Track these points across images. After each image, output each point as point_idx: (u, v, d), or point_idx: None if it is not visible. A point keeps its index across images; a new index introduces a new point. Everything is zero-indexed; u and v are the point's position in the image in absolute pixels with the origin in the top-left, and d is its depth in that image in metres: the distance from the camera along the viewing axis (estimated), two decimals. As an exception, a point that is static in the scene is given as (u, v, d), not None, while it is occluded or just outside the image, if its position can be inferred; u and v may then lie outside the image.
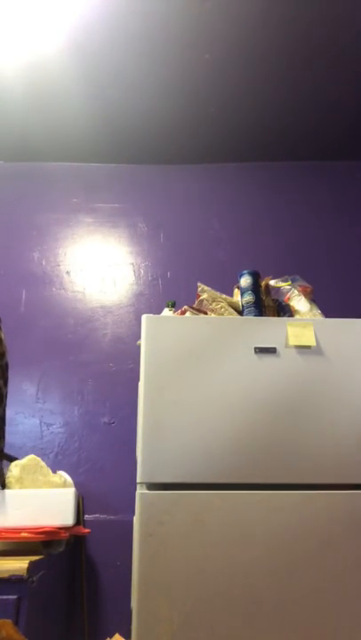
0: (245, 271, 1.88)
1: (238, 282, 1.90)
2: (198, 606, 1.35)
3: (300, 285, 1.89)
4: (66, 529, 1.79)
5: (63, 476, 2.06)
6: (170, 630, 1.32)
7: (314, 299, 1.90)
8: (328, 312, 1.90)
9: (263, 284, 1.88)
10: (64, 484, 2.00)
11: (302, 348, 1.63)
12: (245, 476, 1.50)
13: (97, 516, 2.18)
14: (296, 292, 1.86)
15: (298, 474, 1.51)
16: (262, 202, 2.85)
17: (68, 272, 2.67)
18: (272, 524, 1.44)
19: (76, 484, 2.05)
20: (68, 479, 2.05)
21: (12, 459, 1.95)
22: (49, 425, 2.35)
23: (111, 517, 2.17)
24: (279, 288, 1.91)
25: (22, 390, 2.41)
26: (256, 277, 1.86)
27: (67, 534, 1.77)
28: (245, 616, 1.35)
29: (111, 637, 0.49)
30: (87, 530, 2.05)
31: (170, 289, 2.61)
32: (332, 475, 1.51)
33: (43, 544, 1.69)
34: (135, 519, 1.46)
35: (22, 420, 2.34)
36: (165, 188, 2.87)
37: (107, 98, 2.46)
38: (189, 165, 2.90)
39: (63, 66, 2.27)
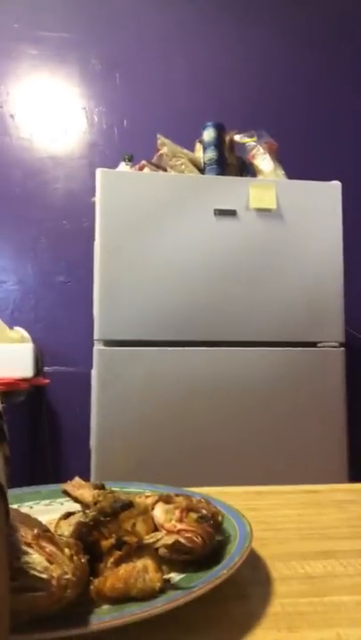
0: (209, 123, 1.74)
1: (201, 134, 1.77)
2: (151, 450, 1.50)
3: (265, 142, 1.79)
4: (25, 380, 1.87)
5: (20, 331, 2.08)
6: (125, 469, 1.48)
7: (279, 158, 1.82)
8: (291, 173, 1.82)
9: (227, 138, 1.76)
10: (21, 340, 2.04)
11: (263, 211, 1.60)
12: (198, 334, 1.56)
13: (56, 368, 2.27)
14: (261, 149, 1.76)
15: (251, 332, 1.59)
16: (231, 39, 2.54)
17: (11, 115, 2.39)
18: (219, 377, 1.55)
19: (34, 340, 2.09)
20: (26, 334, 2.08)
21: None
22: (2, 282, 2.30)
23: (70, 369, 2.27)
24: (244, 144, 1.80)
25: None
26: (220, 131, 1.73)
27: (26, 385, 1.85)
28: (192, 458, 1.52)
29: (71, 479, 0.53)
30: (46, 380, 2.15)
31: (126, 139, 2.41)
32: (282, 333, 1.60)
33: (2, 394, 1.77)
34: (93, 372, 1.53)
35: (-27, 277, 2.28)
36: (121, 17, 2.48)
37: None
38: (150, -12, 2.48)
39: None
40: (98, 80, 2.44)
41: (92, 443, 1.50)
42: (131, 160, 1.87)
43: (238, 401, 1.55)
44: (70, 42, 2.44)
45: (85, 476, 0.60)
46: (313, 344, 1.62)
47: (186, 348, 1.54)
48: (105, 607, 0.33)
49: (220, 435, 1.54)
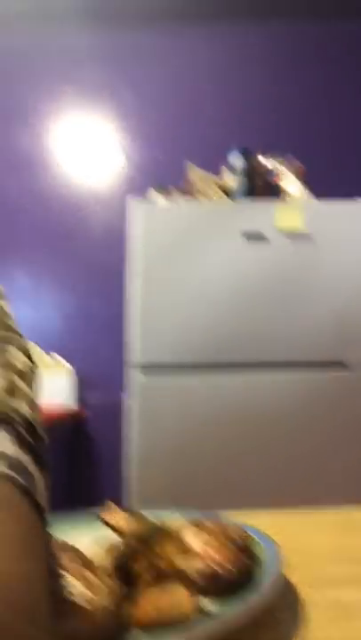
0: (235, 149, 1.78)
1: (228, 161, 1.81)
2: (186, 478, 1.51)
3: (291, 165, 1.81)
4: (63, 409, 1.91)
5: (59, 360, 2.15)
6: (159, 495, 1.48)
7: (306, 179, 1.83)
8: (319, 193, 1.83)
9: (254, 163, 1.79)
10: (59, 368, 2.10)
11: (291, 232, 1.61)
12: (232, 356, 1.57)
13: (93, 396, 2.31)
14: (288, 172, 1.78)
15: (282, 352, 1.58)
16: (257, 69, 2.59)
17: (50, 152, 2.51)
18: (256, 400, 1.55)
19: (73, 368, 2.15)
20: (65, 363, 2.14)
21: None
22: (41, 311, 2.38)
23: (106, 397, 2.31)
24: (270, 167, 1.83)
25: (14, 279, 2.40)
26: (247, 156, 1.76)
27: (65, 414, 1.90)
28: (230, 485, 1.51)
29: (105, 505, 0.55)
30: (84, 409, 2.19)
31: (158, 170, 2.48)
32: (314, 353, 1.59)
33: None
34: (129, 399, 1.56)
35: (14, 309, 2.37)
36: (152, 58, 2.58)
37: None
38: (180, 29, 2.58)
39: None
40: (132, 116, 2.54)
41: (129, 470, 1.52)
42: (162, 189, 1.93)
43: (275, 425, 1.54)
44: (107, 83, 2.56)
45: (121, 503, 0.62)
46: (345, 365, 1.59)
47: (221, 372, 1.55)
48: (138, 635, 0.34)
49: (254, 459, 1.53)
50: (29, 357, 0.45)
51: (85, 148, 2.53)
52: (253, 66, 2.60)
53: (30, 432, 0.36)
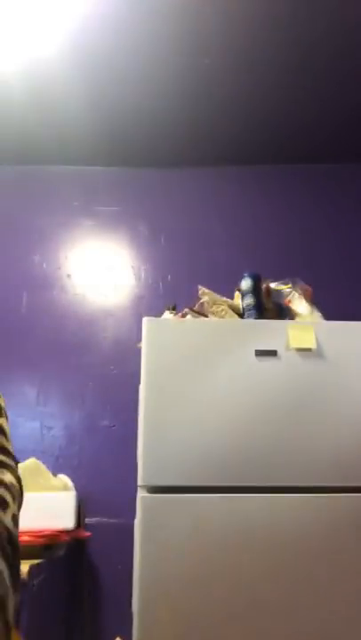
0: (246, 274, 1.88)
1: (239, 285, 1.90)
2: (199, 611, 1.35)
3: (300, 288, 1.89)
4: (66, 532, 1.79)
5: (64, 479, 2.06)
6: (171, 634, 1.32)
7: (314, 301, 1.90)
8: (329, 314, 1.89)
9: (264, 286, 1.88)
10: (65, 488, 2.00)
11: (303, 351, 1.63)
12: (246, 479, 1.49)
13: (98, 519, 2.18)
14: (297, 294, 1.86)
15: (298, 476, 1.50)
16: (263, 205, 2.85)
17: (68, 275, 2.68)
18: (272, 528, 1.44)
19: (77, 488, 2.05)
20: (69, 482, 2.05)
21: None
22: (49, 428, 2.35)
23: (112, 521, 2.17)
24: (280, 291, 1.91)
25: (23, 393, 2.41)
26: (257, 280, 1.86)
27: (67, 538, 1.77)
28: (246, 621, 1.35)
29: (112, 641, 0.49)
30: (88, 533, 2.04)
31: (170, 292, 2.61)
32: (332, 477, 1.51)
33: (43, 548, 1.69)
34: (136, 523, 1.46)
35: (23, 424, 2.34)
36: (166, 191, 2.88)
37: (107, 99, 2.47)
38: (190, 169, 2.90)
39: (63, 67, 2.27)
40: (145, 243, 2.75)
41: (135, 602, 1.36)
42: (174, 309, 2.01)
43: (294, 554, 1.41)
44: (121, 213, 2.81)
45: (127, 638, 0.55)
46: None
47: (234, 495, 1.47)
48: None
49: (275, 592, 1.37)
50: (17, 478, 0.52)
51: (103, 272, 2.69)
52: (261, 200, 2.86)
53: (10, 543, 0.39)
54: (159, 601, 1.35)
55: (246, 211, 2.83)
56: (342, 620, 1.36)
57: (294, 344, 1.63)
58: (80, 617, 2.03)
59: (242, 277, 1.88)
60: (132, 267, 2.70)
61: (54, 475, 2.08)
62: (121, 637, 0.50)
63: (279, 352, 1.63)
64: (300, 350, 1.63)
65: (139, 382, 1.65)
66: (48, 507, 1.82)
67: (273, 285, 1.94)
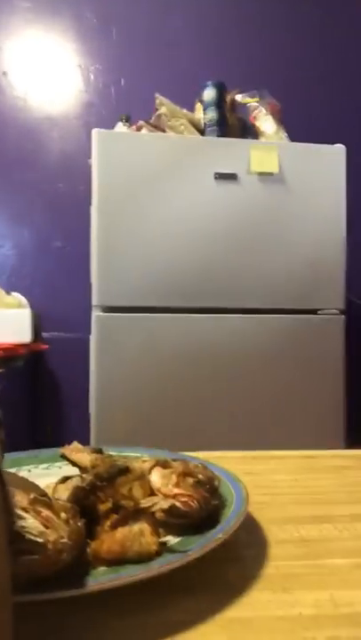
0: (209, 82, 1.68)
1: (201, 95, 1.71)
2: (150, 411, 1.52)
3: (268, 103, 1.73)
4: (24, 346, 1.87)
5: (18, 297, 2.07)
6: (123, 433, 1.50)
7: (281, 119, 1.76)
8: (294, 135, 1.77)
9: (229, 98, 1.71)
10: (19, 305, 2.03)
11: (264, 175, 1.56)
12: (197, 300, 1.55)
13: (54, 334, 2.27)
14: (264, 110, 1.70)
15: (251, 299, 1.58)
16: (238, 4, 2.42)
17: (4, 73, 2.30)
18: (219, 345, 1.55)
19: (32, 306, 2.08)
20: (23, 300, 2.07)
21: None
22: (-2, 247, 2.27)
23: (69, 335, 2.27)
24: (246, 105, 1.74)
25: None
26: (221, 90, 1.67)
27: (25, 350, 1.85)
28: (190, 424, 1.54)
29: (70, 444, 0.54)
30: (45, 346, 2.15)
31: (124, 99, 2.33)
32: (282, 300, 1.59)
33: (2, 360, 1.77)
34: (92, 339, 1.53)
35: (-31, 242, 2.25)
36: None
37: None
38: None
39: None
40: (94, 36, 2.35)
41: (92, 408, 1.51)
42: (128, 120, 1.82)
43: (237, 367, 1.56)
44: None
45: (85, 441, 0.60)
46: (313, 311, 1.61)
47: (184, 315, 1.54)
48: (101, 569, 0.33)
49: (218, 400, 1.55)
50: None
51: (45, 70, 2.33)
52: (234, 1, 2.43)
53: None
54: (114, 404, 1.50)
55: (213, 6, 2.41)
56: (266, 408, 1.58)
57: (256, 167, 1.55)
58: (43, 424, 2.25)
59: (204, 86, 1.68)
60: (80, 66, 2.34)
61: (7, 293, 2.08)
62: (78, 442, 0.56)
63: (239, 176, 1.56)
64: (261, 174, 1.56)
65: (90, 202, 1.56)
66: (4, 322, 1.86)
67: (238, 98, 1.76)
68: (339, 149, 1.62)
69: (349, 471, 0.60)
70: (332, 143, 1.64)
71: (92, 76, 2.35)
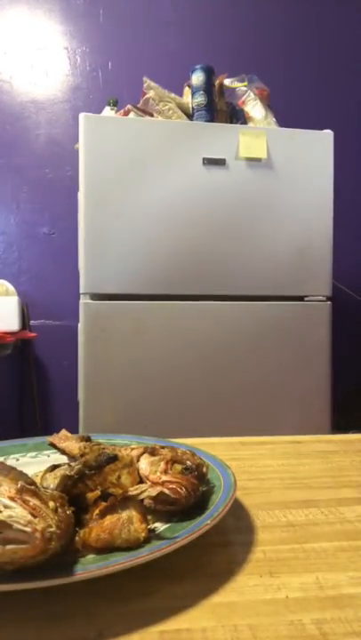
0: (198, 66, 1.66)
1: (189, 78, 1.69)
2: (138, 397, 1.52)
3: (257, 87, 1.71)
4: (12, 333, 1.85)
5: (5, 284, 2.05)
6: (112, 421, 1.50)
7: (270, 104, 1.75)
8: (283, 120, 1.76)
9: (217, 83, 1.68)
10: (6, 293, 2.01)
11: (252, 161, 1.55)
12: (186, 287, 1.55)
13: (42, 321, 2.26)
14: (252, 94, 1.68)
15: (239, 286, 1.58)
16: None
17: (-12, 54, 2.25)
18: (207, 332, 1.56)
19: (19, 293, 2.06)
20: (10, 287, 2.05)
21: None
22: (-16, 234, 2.24)
23: (56, 323, 2.26)
24: (234, 89, 1.72)
25: None
26: (210, 75, 1.65)
27: (13, 338, 1.84)
28: (178, 410, 1.54)
29: (58, 432, 0.54)
30: (33, 334, 2.14)
31: (111, 83, 2.30)
32: (269, 287, 1.60)
33: (-11, 348, 1.76)
34: (80, 326, 1.52)
35: None
36: None
37: None
38: None
39: None
40: (80, 17, 2.30)
41: (80, 396, 1.51)
42: (116, 104, 1.79)
43: (224, 354, 1.56)
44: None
45: (73, 429, 0.60)
46: (300, 298, 1.62)
47: (172, 302, 1.53)
48: (90, 557, 0.33)
49: (206, 387, 1.55)
50: None
51: (31, 52, 2.28)
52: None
53: None
54: (103, 392, 1.50)
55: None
56: (253, 394, 1.59)
57: (244, 153, 1.54)
58: (31, 411, 2.24)
59: (193, 70, 1.66)
60: (66, 48, 2.29)
61: (-6, 281, 2.06)
62: (66, 430, 0.56)
63: (228, 161, 1.54)
64: (249, 159, 1.55)
65: (77, 187, 1.54)
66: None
67: (227, 82, 1.74)
68: (327, 135, 1.61)
69: (335, 456, 0.60)
70: (321, 129, 1.63)
71: (78, 59, 2.30)
